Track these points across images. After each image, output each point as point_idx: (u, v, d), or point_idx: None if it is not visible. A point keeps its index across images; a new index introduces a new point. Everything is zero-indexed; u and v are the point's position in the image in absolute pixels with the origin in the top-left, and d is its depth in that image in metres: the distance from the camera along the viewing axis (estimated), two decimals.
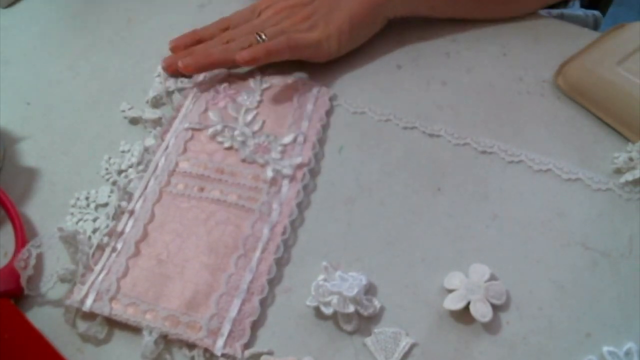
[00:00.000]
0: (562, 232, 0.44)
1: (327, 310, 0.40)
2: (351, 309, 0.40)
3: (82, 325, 0.41)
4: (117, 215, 0.45)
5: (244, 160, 0.48)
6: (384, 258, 0.43)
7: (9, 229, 0.45)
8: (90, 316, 0.41)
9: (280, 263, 0.43)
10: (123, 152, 0.49)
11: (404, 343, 0.40)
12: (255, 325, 0.41)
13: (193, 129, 0.49)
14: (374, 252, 0.44)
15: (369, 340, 0.40)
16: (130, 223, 0.45)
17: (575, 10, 0.72)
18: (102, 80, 0.54)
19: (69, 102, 0.53)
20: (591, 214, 0.45)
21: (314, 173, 0.48)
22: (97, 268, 0.42)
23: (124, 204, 0.45)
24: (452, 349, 0.40)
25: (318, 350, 0.40)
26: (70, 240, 0.43)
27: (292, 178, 0.47)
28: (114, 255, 0.43)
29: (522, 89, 0.52)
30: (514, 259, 0.43)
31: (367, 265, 0.43)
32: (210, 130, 0.49)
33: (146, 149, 0.49)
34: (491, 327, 0.40)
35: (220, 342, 0.40)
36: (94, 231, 0.45)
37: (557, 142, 0.48)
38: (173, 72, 0.53)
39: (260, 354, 0.40)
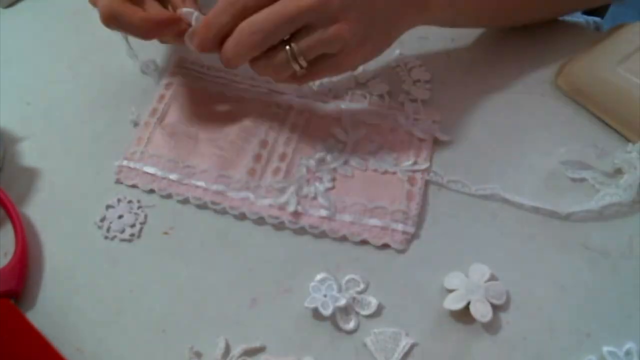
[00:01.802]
0: (562, 232, 0.44)
1: (327, 311, 0.40)
2: (351, 309, 0.40)
3: None
4: None
5: None
6: (384, 258, 0.43)
7: (9, 229, 0.45)
8: None
9: (280, 264, 0.43)
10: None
11: (404, 343, 0.40)
12: (256, 326, 0.41)
13: None
14: (374, 251, 0.44)
15: (369, 340, 0.40)
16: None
17: (577, 16, 0.71)
18: (102, 80, 0.54)
19: (69, 102, 0.53)
20: (591, 213, 0.45)
21: None
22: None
23: None
24: (452, 349, 0.40)
25: (318, 350, 0.40)
26: None
27: None
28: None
29: (522, 89, 0.52)
30: (514, 259, 0.43)
31: (367, 265, 0.43)
32: None
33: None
34: (491, 327, 0.40)
35: None
36: None
37: (557, 142, 0.48)
38: None
39: (254, 350, 0.40)
